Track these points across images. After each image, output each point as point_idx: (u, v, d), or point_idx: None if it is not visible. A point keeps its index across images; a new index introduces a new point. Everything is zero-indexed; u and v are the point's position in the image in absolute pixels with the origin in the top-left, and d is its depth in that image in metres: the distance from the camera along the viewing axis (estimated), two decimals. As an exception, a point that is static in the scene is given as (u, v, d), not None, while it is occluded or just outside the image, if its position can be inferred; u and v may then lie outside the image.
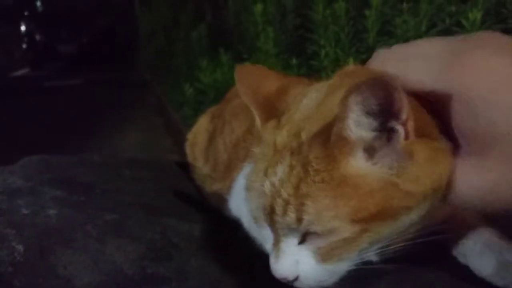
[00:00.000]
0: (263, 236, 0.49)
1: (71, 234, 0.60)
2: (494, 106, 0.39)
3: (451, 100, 0.41)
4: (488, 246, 0.49)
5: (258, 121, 0.52)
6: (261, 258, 0.50)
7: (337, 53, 1.25)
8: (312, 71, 1.35)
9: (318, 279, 0.45)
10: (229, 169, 0.74)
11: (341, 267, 0.44)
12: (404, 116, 0.40)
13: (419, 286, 0.49)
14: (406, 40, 1.10)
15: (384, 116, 0.40)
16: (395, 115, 0.40)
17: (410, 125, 0.40)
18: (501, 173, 0.40)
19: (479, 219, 0.54)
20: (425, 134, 0.42)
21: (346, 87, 0.45)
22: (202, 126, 0.97)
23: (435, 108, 0.44)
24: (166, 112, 3.89)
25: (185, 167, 0.97)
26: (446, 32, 1.05)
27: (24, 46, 9.66)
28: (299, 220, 0.42)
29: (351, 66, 0.53)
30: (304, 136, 0.44)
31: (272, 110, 0.51)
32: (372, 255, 0.45)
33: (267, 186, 0.45)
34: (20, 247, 0.56)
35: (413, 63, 0.44)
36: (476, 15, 0.91)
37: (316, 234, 0.42)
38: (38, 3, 10.31)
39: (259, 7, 1.64)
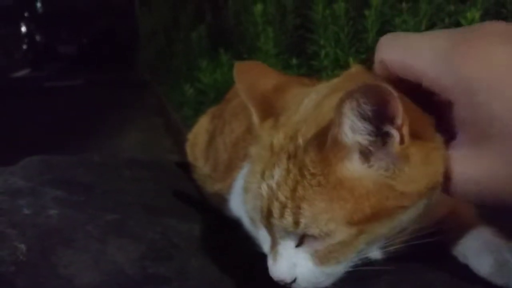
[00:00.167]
0: (261, 238, 0.49)
1: (72, 234, 0.60)
2: (495, 96, 0.38)
3: (453, 88, 0.41)
4: (486, 246, 0.49)
5: (255, 118, 0.52)
6: (261, 258, 0.50)
7: (337, 53, 1.25)
8: (312, 71, 1.35)
9: (315, 281, 0.45)
10: (229, 169, 0.74)
11: (339, 269, 0.44)
12: (399, 121, 0.40)
13: (419, 286, 0.49)
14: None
15: (379, 120, 0.40)
16: (390, 120, 0.40)
17: (405, 129, 0.40)
18: (499, 165, 0.39)
19: (477, 218, 0.54)
20: (420, 135, 0.42)
21: (343, 91, 0.45)
22: (202, 126, 0.97)
23: (436, 99, 0.43)
24: (166, 113, 3.89)
25: (185, 167, 0.97)
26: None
27: (24, 46, 9.66)
28: (296, 223, 0.42)
29: (354, 68, 0.53)
30: (300, 139, 0.44)
31: (269, 108, 0.51)
32: (372, 254, 0.45)
33: (264, 189, 0.45)
34: (22, 247, 0.56)
35: (419, 51, 0.43)
36: (475, 14, 0.91)
37: (313, 237, 0.43)
38: (39, 4, 10.31)
39: (259, 7, 1.64)
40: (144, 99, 5.28)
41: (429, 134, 0.43)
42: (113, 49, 8.95)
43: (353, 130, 0.41)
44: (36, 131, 3.93)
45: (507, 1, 0.93)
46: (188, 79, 2.71)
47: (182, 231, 0.67)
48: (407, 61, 0.43)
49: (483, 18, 0.95)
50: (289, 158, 0.44)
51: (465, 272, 0.49)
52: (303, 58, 1.47)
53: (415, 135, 0.41)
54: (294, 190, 0.42)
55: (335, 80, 0.52)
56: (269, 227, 0.45)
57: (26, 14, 9.89)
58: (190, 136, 1.01)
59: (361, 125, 0.40)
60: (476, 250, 0.50)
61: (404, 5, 1.10)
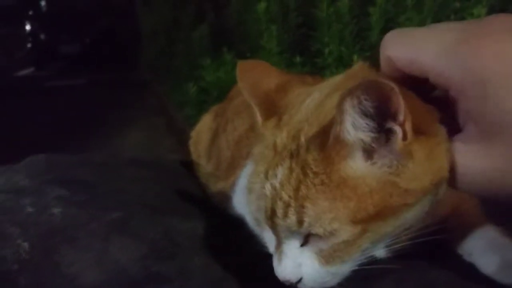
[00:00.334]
0: (266, 238, 0.49)
1: (75, 233, 0.60)
2: (505, 90, 0.38)
3: (462, 81, 0.40)
4: (492, 245, 0.49)
5: (258, 117, 0.52)
6: (264, 257, 0.50)
7: (341, 51, 1.25)
8: (316, 69, 1.35)
9: (321, 280, 0.45)
10: (232, 167, 0.74)
11: (344, 268, 0.44)
12: (401, 117, 0.39)
13: (423, 284, 0.49)
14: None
15: (381, 117, 0.40)
16: (392, 116, 0.40)
17: (408, 125, 0.40)
18: (506, 160, 0.39)
19: (483, 216, 0.53)
20: (423, 131, 0.41)
21: (342, 89, 0.44)
22: (205, 124, 0.97)
23: (441, 94, 0.43)
24: (168, 112, 3.89)
25: (188, 166, 0.97)
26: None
27: (28, 46, 9.68)
28: (300, 222, 0.42)
29: (357, 66, 0.52)
30: (302, 138, 0.44)
31: (272, 107, 0.51)
32: (377, 252, 0.45)
33: (267, 189, 0.45)
34: (25, 245, 0.56)
35: (426, 45, 0.42)
36: (480, 11, 0.90)
37: (318, 236, 0.42)
38: (43, 3, 10.32)
39: (262, 5, 1.64)
40: (146, 99, 5.29)
41: (432, 129, 0.42)
42: (115, 49, 8.97)
43: (355, 127, 0.40)
44: (38, 130, 3.94)
45: (513, -2, 0.93)
46: (190, 78, 2.71)
47: (185, 230, 0.67)
48: (414, 56, 0.42)
49: (489, 15, 0.95)
50: (291, 157, 0.44)
51: (469, 270, 0.49)
52: (306, 56, 1.47)
53: (419, 131, 0.41)
54: (297, 189, 0.42)
55: (337, 78, 0.51)
56: (274, 227, 0.45)
57: (30, 13, 9.91)
58: (193, 134, 1.01)
59: (363, 122, 0.40)
60: (482, 248, 0.50)
61: (408, 2, 1.09)
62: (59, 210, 0.64)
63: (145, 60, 6.38)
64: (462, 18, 1.02)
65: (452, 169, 0.42)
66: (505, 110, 0.38)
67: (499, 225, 0.52)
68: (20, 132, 3.96)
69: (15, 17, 9.90)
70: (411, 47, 0.43)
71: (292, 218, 0.42)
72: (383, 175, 0.41)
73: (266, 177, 0.45)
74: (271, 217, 0.44)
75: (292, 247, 0.45)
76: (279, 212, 0.43)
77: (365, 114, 0.40)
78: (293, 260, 0.45)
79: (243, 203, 0.64)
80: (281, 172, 0.44)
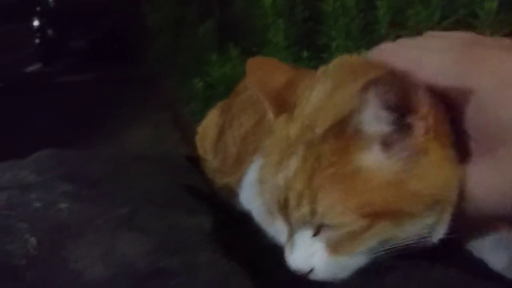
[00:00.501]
0: (277, 228, 0.49)
1: (82, 228, 0.60)
2: (503, 103, 0.38)
3: (461, 96, 0.40)
4: (502, 241, 0.48)
5: (269, 114, 0.52)
6: (271, 252, 0.50)
7: (348, 45, 1.24)
8: (323, 63, 1.34)
9: (332, 271, 0.44)
10: (239, 163, 0.74)
11: (352, 261, 0.44)
12: (424, 110, 0.39)
13: (429, 280, 0.49)
14: (418, 31, 1.08)
15: (403, 110, 0.40)
16: (414, 110, 0.39)
17: (430, 119, 0.40)
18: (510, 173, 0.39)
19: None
20: (440, 137, 0.42)
21: (356, 80, 0.44)
22: (211, 120, 0.96)
23: (447, 107, 0.43)
24: (174, 108, 3.90)
25: (194, 161, 0.97)
26: (460, 23, 1.03)
27: (36, 42, 9.72)
28: (313, 212, 0.42)
29: (345, 57, 0.52)
30: (317, 128, 0.44)
31: (283, 103, 0.51)
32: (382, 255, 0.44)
33: (280, 179, 0.45)
34: (33, 240, 0.56)
35: (424, 57, 0.43)
36: (491, 4, 0.89)
37: (329, 226, 0.42)
38: (50, -2, 10.34)
39: (268, -1, 1.63)
40: (152, 94, 5.30)
41: (447, 140, 0.43)
42: (122, 45, 8.98)
43: (375, 118, 0.40)
44: (46, 125, 3.97)
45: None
46: (196, 73, 2.71)
47: (191, 226, 0.67)
48: (412, 68, 0.43)
49: (499, 9, 0.94)
50: (306, 147, 0.44)
51: (476, 267, 0.48)
52: (313, 50, 1.46)
53: (437, 133, 0.41)
54: (311, 179, 0.42)
55: (330, 70, 0.50)
56: (286, 217, 0.45)
57: (38, 9, 9.94)
58: (199, 129, 1.01)
59: (384, 114, 0.40)
60: (492, 245, 0.49)
61: (416, -5, 1.08)
62: (66, 206, 0.64)
63: (152, 56, 6.39)
64: (472, 12, 1.01)
65: (460, 194, 0.42)
66: (502, 122, 0.38)
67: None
68: (28, 127, 3.99)
69: (22, 13, 9.95)
70: (409, 58, 0.44)
71: (305, 208, 0.42)
72: (397, 170, 0.41)
73: (279, 168, 0.45)
74: (283, 207, 0.44)
75: (304, 237, 0.45)
76: (292, 202, 0.43)
77: (386, 106, 0.39)
78: (305, 250, 0.45)
79: (250, 199, 0.64)
80: (294, 162, 0.44)
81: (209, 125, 0.97)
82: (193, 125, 2.22)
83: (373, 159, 0.41)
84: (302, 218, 0.43)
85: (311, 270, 0.45)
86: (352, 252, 0.43)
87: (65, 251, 0.56)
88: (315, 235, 0.44)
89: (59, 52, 9.62)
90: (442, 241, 0.45)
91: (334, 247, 0.43)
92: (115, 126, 3.94)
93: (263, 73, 0.54)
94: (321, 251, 0.44)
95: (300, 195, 0.42)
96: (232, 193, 0.73)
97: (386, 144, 0.41)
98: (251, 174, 0.61)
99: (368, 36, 1.23)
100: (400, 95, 0.39)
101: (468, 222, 0.46)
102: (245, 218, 0.65)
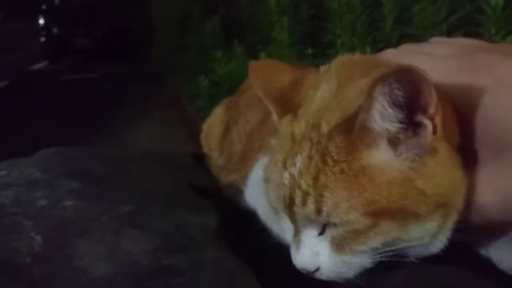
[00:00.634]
0: (283, 227, 0.49)
1: (87, 225, 0.60)
2: (509, 109, 0.38)
3: (467, 102, 0.41)
4: (510, 240, 0.48)
5: (274, 116, 0.52)
6: (276, 250, 0.49)
7: (353, 42, 1.24)
8: (328, 61, 1.34)
9: (337, 270, 0.44)
10: (244, 160, 0.74)
11: (357, 260, 0.44)
12: (432, 110, 0.39)
13: (434, 280, 0.48)
14: (424, 28, 1.08)
15: (411, 108, 0.39)
16: (422, 108, 0.39)
17: (438, 120, 0.39)
18: None
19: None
20: (448, 138, 0.41)
21: (360, 78, 0.44)
22: (217, 117, 0.96)
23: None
24: (180, 105, 3.91)
25: (199, 159, 0.97)
26: (466, 19, 1.02)
27: (42, 40, 9.76)
28: (318, 211, 0.42)
29: (347, 56, 0.52)
30: (324, 126, 0.44)
31: (288, 104, 0.51)
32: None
33: (286, 177, 0.44)
34: (38, 238, 0.56)
35: (428, 63, 0.42)
36: (497, 0, 0.88)
37: (335, 225, 0.42)
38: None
39: (273, -4, 1.63)
40: (158, 92, 5.31)
41: (453, 143, 0.42)
42: (127, 43, 9.00)
43: (382, 116, 0.40)
44: (51, 123, 4.00)
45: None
46: (202, 71, 2.72)
47: (196, 223, 0.67)
48: None
49: (505, 5, 0.93)
50: (311, 145, 0.43)
51: (481, 266, 0.48)
52: (318, 47, 1.46)
53: (445, 133, 0.41)
54: (316, 177, 0.42)
55: (332, 69, 0.50)
56: (292, 216, 0.45)
57: (43, 7, 9.98)
58: (205, 127, 1.01)
59: (391, 112, 0.39)
60: (500, 244, 0.49)
61: (422, -9, 1.07)
62: (71, 203, 0.64)
63: (157, 54, 6.41)
64: (478, 8, 1.00)
65: (467, 200, 0.42)
66: (504, 129, 0.38)
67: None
68: (33, 125, 4.01)
69: (28, 11, 9.99)
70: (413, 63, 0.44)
71: (311, 206, 0.42)
72: (403, 169, 0.40)
73: (284, 166, 0.45)
74: (289, 206, 0.44)
75: (310, 236, 0.45)
76: (298, 200, 0.43)
77: (394, 104, 0.39)
78: (311, 249, 0.44)
79: (255, 197, 0.64)
80: (300, 160, 0.44)
81: (214, 122, 0.97)
82: (199, 122, 2.22)
83: (379, 157, 0.41)
84: (307, 216, 0.43)
85: (317, 269, 0.45)
86: (356, 251, 0.43)
87: (70, 249, 0.56)
88: (320, 234, 0.44)
89: (64, 50, 9.66)
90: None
91: (339, 246, 0.43)
92: (121, 124, 3.96)
93: (266, 75, 0.54)
94: (326, 250, 0.44)
95: (305, 194, 0.42)
96: (237, 191, 0.73)
97: (393, 142, 0.41)
98: (256, 172, 0.61)
99: (373, 33, 1.23)
100: (409, 93, 0.38)
101: (475, 229, 0.46)
102: (250, 216, 0.65)
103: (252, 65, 0.55)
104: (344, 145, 0.41)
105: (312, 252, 0.44)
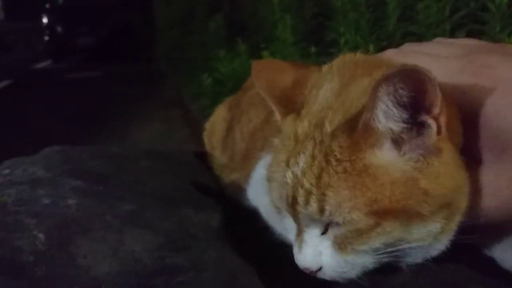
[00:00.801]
0: (286, 226, 0.49)
1: (91, 224, 0.60)
2: (504, 111, 0.38)
3: (469, 104, 0.41)
4: None
5: (277, 116, 0.52)
6: (278, 249, 0.49)
7: (357, 40, 1.23)
8: (332, 59, 1.33)
9: (339, 270, 0.44)
10: (247, 159, 0.74)
11: (359, 260, 0.44)
12: (436, 110, 0.39)
13: (440, 278, 0.48)
14: (428, 26, 1.07)
15: (415, 108, 0.39)
16: (427, 108, 0.39)
17: (443, 120, 0.39)
18: None
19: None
20: (453, 139, 0.41)
21: (363, 77, 0.44)
22: (220, 115, 0.96)
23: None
24: (184, 103, 3.91)
25: (202, 157, 0.97)
26: (471, 17, 1.01)
27: (46, 38, 9.79)
28: (321, 210, 0.42)
29: (349, 55, 0.52)
30: (327, 125, 0.43)
31: (290, 104, 0.51)
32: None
33: (289, 177, 0.44)
34: (41, 236, 0.56)
35: (429, 64, 0.42)
36: (502, -2, 0.87)
37: (337, 224, 0.42)
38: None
39: (276, -5, 1.62)
40: (162, 90, 5.32)
41: (457, 143, 0.42)
42: (131, 41, 9.02)
43: (386, 116, 0.40)
44: (55, 122, 4.01)
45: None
46: (205, 69, 2.72)
47: (199, 222, 0.67)
48: None
49: (510, 3, 0.92)
50: (314, 145, 0.43)
51: (487, 265, 0.48)
52: (322, 46, 1.46)
53: (449, 134, 0.41)
54: (319, 177, 0.42)
55: (333, 68, 0.50)
56: (295, 215, 0.45)
57: (47, 6, 10.00)
58: (207, 125, 1.01)
59: (395, 112, 0.39)
60: (504, 243, 0.48)
61: (426, -11, 1.07)
62: (75, 202, 0.64)
63: (161, 52, 6.42)
64: (483, 6, 0.99)
65: (472, 200, 0.42)
66: (503, 130, 0.39)
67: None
68: (37, 123, 4.03)
69: (32, 10, 10.03)
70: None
71: (314, 206, 0.42)
72: (407, 169, 0.40)
73: (288, 165, 0.45)
74: (292, 205, 0.44)
75: (312, 235, 0.44)
76: (301, 200, 0.43)
77: (399, 103, 0.39)
78: (313, 248, 0.44)
79: (258, 195, 0.63)
80: (303, 160, 0.44)
81: (217, 120, 0.97)
82: (202, 121, 2.22)
83: (383, 157, 0.41)
84: (310, 216, 0.43)
85: (319, 269, 0.44)
86: (359, 251, 0.43)
87: (73, 247, 0.56)
88: (323, 233, 0.44)
89: (68, 49, 9.69)
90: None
91: (342, 246, 0.43)
92: (124, 122, 3.96)
93: (269, 75, 0.54)
94: (329, 250, 0.44)
95: (308, 193, 0.42)
96: (239, 189, 0.73)
97: (397, 142, 0.41)
98: (259, 171, 0.61)
99: (377, 31, 1.22)
100: (413, 93, 0.38)
101: (478, 230, 0.46)
102: (252, 215, 0.65)
103: (255, 65, 0.55)
104: (347, 144, 0.41)
105: (314, 251, 0.44)
